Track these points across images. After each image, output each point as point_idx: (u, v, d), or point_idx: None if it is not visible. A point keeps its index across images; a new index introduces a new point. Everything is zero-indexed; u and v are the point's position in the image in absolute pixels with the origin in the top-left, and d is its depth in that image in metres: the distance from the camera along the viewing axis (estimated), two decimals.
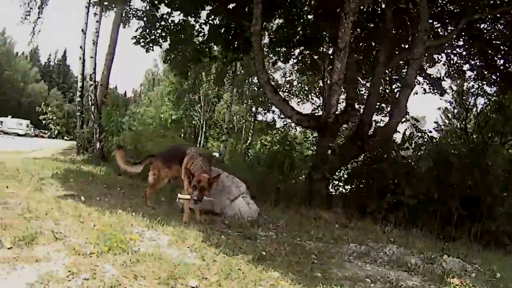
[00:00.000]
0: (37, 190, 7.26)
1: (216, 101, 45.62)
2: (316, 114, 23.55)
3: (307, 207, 10.50)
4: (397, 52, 15.29)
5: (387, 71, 16.75)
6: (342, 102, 16.30)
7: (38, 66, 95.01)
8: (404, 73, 16.02)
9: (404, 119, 16.17)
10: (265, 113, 44.22)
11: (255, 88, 37.40)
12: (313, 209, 10.29)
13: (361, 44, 17.59)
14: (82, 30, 18.39)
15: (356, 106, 15.63)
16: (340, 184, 13.56)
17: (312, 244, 6.51)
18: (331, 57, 16.05)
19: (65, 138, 37.62)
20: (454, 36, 15.75)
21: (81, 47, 18.84)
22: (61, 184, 8.53)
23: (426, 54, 16.33)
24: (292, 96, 33.40)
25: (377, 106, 17.37)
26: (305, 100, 33.20)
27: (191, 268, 4.06)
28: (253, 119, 45.04)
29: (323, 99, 23.69)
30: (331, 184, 13.21)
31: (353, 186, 13.36)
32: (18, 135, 52.26)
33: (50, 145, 27.33)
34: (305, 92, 32.93)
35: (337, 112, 12.99)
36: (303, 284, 4.28)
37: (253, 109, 44.88)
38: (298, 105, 32.62)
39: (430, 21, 14.31)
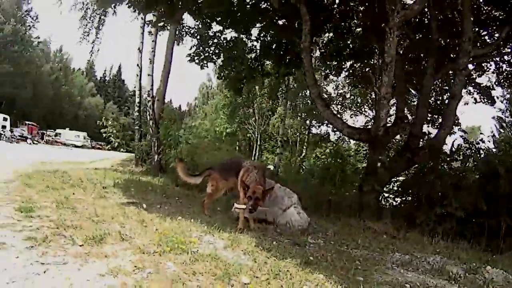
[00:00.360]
0: (101, 198, 7.96)
1: (271, 114, 45.71)
2: (366, 127, 23.44)
3: (356, 219, 10.65)
4: (445, 63, 15.05)
5: (437, 82, 16.72)
6: (393, 114, 16.28)
7: (94, 81, 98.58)
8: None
9: (454, 130, 16.10)
10: (319, 126, 43.93)
11: (309, 101, 37.00)
12: (363, 220, 10.38)
13: (410, 55, 17.65)
14: (139, 48, 19.44)
15: (407, 118, 15.74)
16: (391, 196, 13.67)
17: (358, 252, 6.73)
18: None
19: (121, 150, 38.92)
20: (501, 43, 15.41)
21: (138, 64, 19.86)
22: (122, 193, 9.21)
23: (474, 64, 16.36)
24: (345, 109, 33.34)
25: (428, 118, 17.30)
26: (358, 112, 33.07)
27: (244, 268, 4.48)
28: (307, 132, 44.70)
29: (376, 111, 23.80)
30: (381, 197, 13.35)
31: (403, 198, 13.34)
32: (76, 146, 54.51)
33: (108, 156, 28.38)
34: (358, 104, 32.79)
35: (388, 125, 13.15)
36: (345, 285, 4.59)
37: (307, 122, 44.60)
38: (351, 117, 32.65)
39: (476, 29, 14.37)
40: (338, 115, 23.94)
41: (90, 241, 4.64)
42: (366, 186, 12.26)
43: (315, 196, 12.96)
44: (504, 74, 18.85)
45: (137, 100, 19.65)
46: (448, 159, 12.85)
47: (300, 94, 38.63)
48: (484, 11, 15.96)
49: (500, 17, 15.45)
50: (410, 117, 16.74)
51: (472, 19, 12.97)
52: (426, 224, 10.72)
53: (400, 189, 13.55)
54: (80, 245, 4.50)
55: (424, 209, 11.36)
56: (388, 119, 13.70)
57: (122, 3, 12.07)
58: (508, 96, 23.09)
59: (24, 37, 67.23)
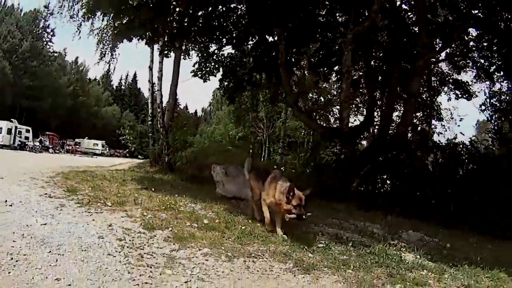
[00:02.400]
0: (122, 185, 11.02)
1: (278, 118, 46.96)
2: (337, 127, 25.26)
3: (333, 202, 12.71)
4: (408, 67, 17.40)
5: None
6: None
7: (110, 90, 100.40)
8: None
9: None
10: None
11: (311, 103, 38.40)
12: (336, 202, 12.69)
13: (379, 62, 19.95)
14: (149, 67, 21.99)
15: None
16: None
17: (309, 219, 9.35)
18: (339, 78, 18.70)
19: (139, 156, 41.02)
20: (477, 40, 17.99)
21: (149, 81, 22.60)
22: (138, 183, 12.15)
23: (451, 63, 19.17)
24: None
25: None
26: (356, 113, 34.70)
27: (208, 217, 7.71)
28: (312, 132, 45.25)
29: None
30: (355, 183, 15.31)
31: (368, 184, 15.52)
32: (95, 154, 57.02)
33: (125, 161, 31.03)
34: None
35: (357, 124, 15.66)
36: (288, 229, 7.47)
37: None
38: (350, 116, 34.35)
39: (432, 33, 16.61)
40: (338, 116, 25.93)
41: (116, 204, 7.88)
42: (341, 175, 14.77)
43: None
44: (482, 69, 20.43)
45: (149, 111, 22.24)
46: (412, 150, 15.53)
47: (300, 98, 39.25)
48: (437, 18, 18.18)
49: (454, 21, 17.42)
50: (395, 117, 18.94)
51: (427, 27, 15.38)
52: (387, 205, 12.64)
53: (366, 176, 15.51)
54: (110, 206, 7.72)
55: (385, 193, 13.79)
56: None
57: (132, 39, 14.47)
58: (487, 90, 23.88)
59: (42, 52, 70.56)
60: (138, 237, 5.96)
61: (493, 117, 22.16)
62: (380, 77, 19.76)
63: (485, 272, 6.05)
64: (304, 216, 6.77)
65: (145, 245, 5.64)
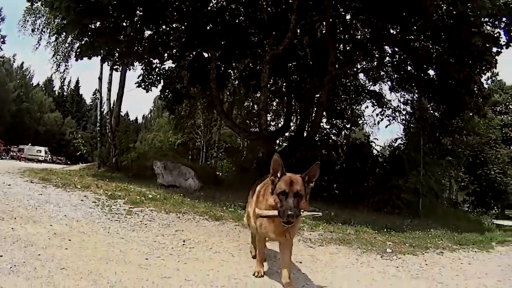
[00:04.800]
0: (83, 178, 13.88)
1: (215, 125, 47.95)
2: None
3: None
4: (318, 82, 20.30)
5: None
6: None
7: (52, 96, 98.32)
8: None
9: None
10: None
11: (245, 111, 40.76)
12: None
13: (295, 76, 23.13)
14: (99, 78, 23.87)
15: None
16: None
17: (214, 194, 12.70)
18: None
19: (81, 163, 41.81)
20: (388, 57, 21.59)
21: (98, 90, 25.07)
22: (93, 177, 14.92)
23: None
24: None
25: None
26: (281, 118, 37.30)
27: (147, 193, 10.50)
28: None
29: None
30: None
31: None
32: (38, 161, 55.87)
33: (70, 167, 33.07)
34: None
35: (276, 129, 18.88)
36: (190, 198, 10.54)
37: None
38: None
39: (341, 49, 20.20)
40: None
41: (84, 187, 10.91)
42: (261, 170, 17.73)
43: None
44: (395, 81, 24.01)
45: (98, 117, 23.84)
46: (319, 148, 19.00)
47: (235, 106, 41.72)
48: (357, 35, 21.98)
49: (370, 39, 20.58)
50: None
51: (335, 48, 18.87)
52: None
53: None
54: (79, 188, 10.70)
55: None
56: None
57: (91, 57, 17.09)
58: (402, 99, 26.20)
59: None
60: (106, 201, 9.09)
61: (404, 122, 25.59)
62: (296, 89, 22.69)
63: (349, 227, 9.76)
64: (294, 216, 4.19)
65: (111, 205, 8.77)
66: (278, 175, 4.44)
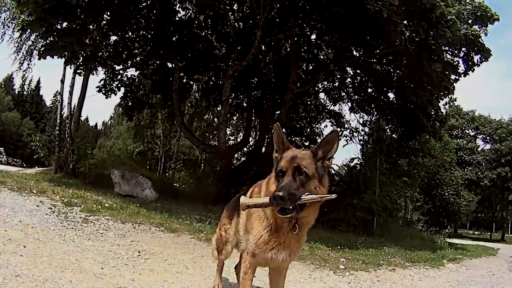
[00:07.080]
0: (39, 182, 13.69)
1: (174, 136, 47.01)
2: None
3: (210, 206, 16.25)
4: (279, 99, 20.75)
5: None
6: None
7: (12, 95, 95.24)
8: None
9: None
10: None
11: (205, 124, 40.71)
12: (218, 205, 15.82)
13: (256, 91, 23.51)
14: (61, 80, 23.36)
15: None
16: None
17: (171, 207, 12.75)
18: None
19: (36, 167, 40.78)
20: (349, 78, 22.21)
21: (60, 93, 24.45)
22: (50, 182, 14.63)
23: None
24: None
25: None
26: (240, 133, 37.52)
27: (104, 201, 10.52)
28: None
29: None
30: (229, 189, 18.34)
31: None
32: None
33: (26, 170, 32.48)
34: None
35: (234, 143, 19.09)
36: (147, 208, 10.62)
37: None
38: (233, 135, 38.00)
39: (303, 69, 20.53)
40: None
41: (40, 192, 10.70)
42: (218, 183, 18.21)
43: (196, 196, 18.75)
44: (355, 102, 24.64)
45: (58, 121, 23.36)
46: None
47: (196, 119, 41.41)
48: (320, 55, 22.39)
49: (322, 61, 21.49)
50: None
51: (297, 67, 19.14)
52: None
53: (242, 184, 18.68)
54: (35, 193, 10.51)
55: None
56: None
57: (54, 57, 16.78)
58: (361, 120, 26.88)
59: None
60: (62, 208, 9.05)
61: (362, 142, 26.22)
62: (257, 105, 23.05)
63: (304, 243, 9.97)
64: (283, 198, 2.94)
65: (67, 212, 8.77)
66: (281, 150, 3.46)
